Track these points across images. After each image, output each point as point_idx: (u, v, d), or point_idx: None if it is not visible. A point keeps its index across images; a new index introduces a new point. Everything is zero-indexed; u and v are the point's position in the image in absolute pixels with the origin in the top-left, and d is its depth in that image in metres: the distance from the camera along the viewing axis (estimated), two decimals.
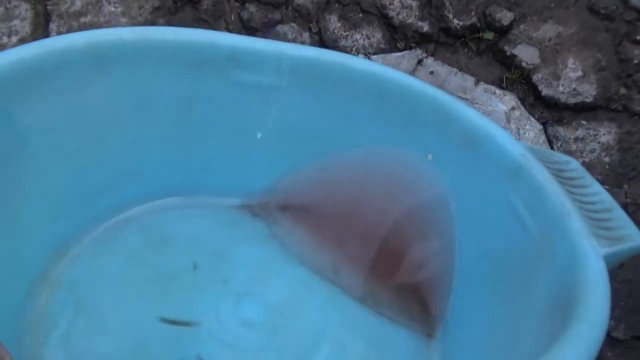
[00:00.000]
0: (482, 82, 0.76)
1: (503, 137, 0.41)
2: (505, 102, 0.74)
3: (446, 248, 0.46)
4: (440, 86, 0.76)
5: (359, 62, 0.48)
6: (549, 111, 0.72)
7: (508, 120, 0.73)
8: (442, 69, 0.76)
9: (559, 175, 0.39)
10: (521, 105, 0.73)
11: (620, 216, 0.37)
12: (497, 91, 0.75)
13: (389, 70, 0.47)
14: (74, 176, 0.46)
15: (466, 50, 0.75)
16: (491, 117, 0.72)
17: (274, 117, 0.52)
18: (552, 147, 0.71)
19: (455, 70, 0.77)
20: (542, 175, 0.38)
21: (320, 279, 0.50)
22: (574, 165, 0.42)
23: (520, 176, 0.40)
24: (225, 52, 0.46)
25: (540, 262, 0.35)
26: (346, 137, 0.51)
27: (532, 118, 0.72)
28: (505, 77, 0.75)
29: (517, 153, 0.40)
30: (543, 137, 0.72)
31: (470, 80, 0.76)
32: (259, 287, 0.48)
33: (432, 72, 0.76)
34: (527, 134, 0.74)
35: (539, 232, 0.37)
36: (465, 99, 0.74)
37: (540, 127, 0.72)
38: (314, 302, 0.47)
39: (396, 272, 0.49)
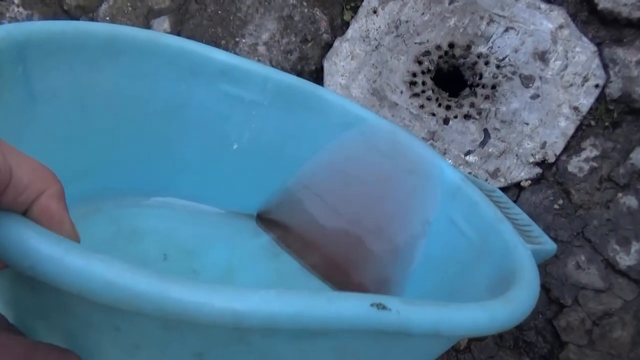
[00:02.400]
0: None
1: (446, 166, 0.53)
2: (551, 18, 0.64)
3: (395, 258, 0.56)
4: (473, 2, 0.70)
5: (329, 94, 0.59)
6: (606, 29, 0.62)
7: (554, 42, 0.64)
8: None
9: (489, 197, 0.49)
10: (571, 23, 0.63)
11: (537, 229, 0.47)
12: (543, 5, 0.66)
13: (357, 106, 0.59)
14: (60, 151, 0.48)
15: None
16: (534, 38, 0.67)
17: (251, 131, 0.59)
18: (607, 74, 0.60)
19: None
20: (476, 194, 0.47)
21: (293, 280, 0.56)
22: (499, 193, 0.56)
23: (459, 196, 0.49)
24: (219, 65, 0.54)
25: (480, 260, 0.42)
26: (309, 157, 0.61)
27: (584, 38, 0.62)
28: None
29: (456, 177, 0.51)
30: (597, 61, 0.61)
31: None
32: (230, 279, 0.53)
33: None
34: (577, 57, 0.63)
35: (477, 238, 0.45)
36: (502, 17, 0.68)
37: (594, 48, 0.62)
38: None
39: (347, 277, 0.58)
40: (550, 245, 0.44)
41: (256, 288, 0.24)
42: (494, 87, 0.73)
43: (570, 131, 0.67)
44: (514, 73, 0.72)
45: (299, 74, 0.77)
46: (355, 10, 0.79)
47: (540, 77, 0.71)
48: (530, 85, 0.71)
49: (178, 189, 0.61)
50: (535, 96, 0.70)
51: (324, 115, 0.61)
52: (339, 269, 0.64)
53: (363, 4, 0.79)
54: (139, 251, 0.54)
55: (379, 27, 0.78)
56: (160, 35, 0.54)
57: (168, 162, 0.59)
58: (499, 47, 0.73)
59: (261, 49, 0.76)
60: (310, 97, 0.60)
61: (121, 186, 0.57)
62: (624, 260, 0.60)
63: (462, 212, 0.49)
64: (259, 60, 0.76)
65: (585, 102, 0.67)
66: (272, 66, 0.76)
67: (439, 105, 0.74)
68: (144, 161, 0.57)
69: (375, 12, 0.79)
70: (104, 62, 0.50)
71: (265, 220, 0.65)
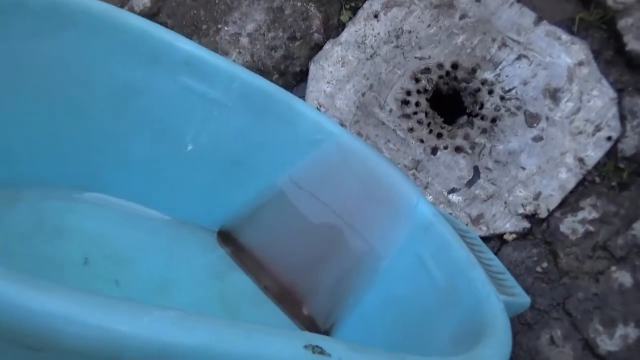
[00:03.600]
0: (545, 21, 0.60)
1: (421, 200, 0.48)
2: (571, 52, 0.58)
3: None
4: (487, 20, 0.64)
5: (305, 107, 0.53)
6: (631, 74, 0.54)
7: (570, 79, 0.58)
8: None
9: (462, 238, 0.45)
10: (593, 61, 0.57)
11: (510, 279, 0.44)
12: (564, 36, 0.59)
13: (334, 124, 0.53)
14: None
15: None
16: (548, 72, 0.62)
17: (210, 133, 0.53)
18: (623, 127, 0.54)
19: (510, 0, 0.62)
20: (449, 233, 0.44)
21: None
22: (473, 234, 0.52)
23: (431, 232, 0.45)
24: (183, 55, 0.48)
25: (445, 306, 0.39)
26: (268, 169, 0.55)
27: (604, 81, 0.56)
28: (579, 18, 0.58)
29: (429, 212, 0.47)
30: (614, 110, 0.54)
31: (529, 15, 0.62)
32: (158, 298, 0.47)
33: (478, 0, 0.64)
34: (592, 102, 0.57)
35: (444, 281, 0.41)
36: (517, 42, 0.61)
37: (614, 94, 0.55)
38: None
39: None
40: (524, 298, 0.41)
41: (153, 306, 0.17)
42: (494, 120, 0.64)
43: (570, 185, 0.59)
44: (518, 108, 0.63)
45: (282, 75, 0.70)
46: (354, 11, 0.71)
47: (547, 118, 0.62)
48: (535, 125, 0.62)
49: (118, 187, 0.55)
50: (538, 138, 0.62)
51: (296, 129, 0.54)
52: (292, 296, 0.59)
53: (364, 5, 0.70)
54: (56, 251, 0.48)
55: (378, 33, 0.70)
56: (120, 12, 0.48)
57: (110, 154, 0.53)
58: (507, 76, 0.65)
59: (244, 40, 0.69)
60: (282, 107, 0.54)
61: (51, 175, 0.51)
62: (606, 344, 0.52)
63: (432, 250, 0.45)
64: (239, 53, 0.69)
65: (593, 154, 0.59)
66: (253, 62, 0.69)
67: (430, 131, 0.66)
68: (81, 150, 0.51)
69: (376, 16, 0.70)
70: (48, 31, 0.44)
71: (225, 235, 0.58)
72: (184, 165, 0.56)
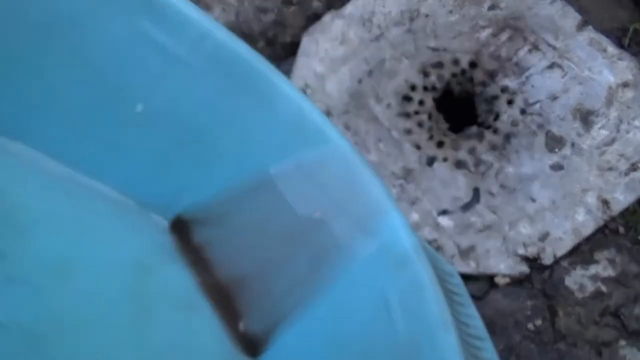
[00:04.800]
0: (590, 27, 0.51)
1: (401, 225, 0.39)
2: (616, 70, 0.50)
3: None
4: (521, 15, 0.53)
5: (288, 87, 0.43)
6: None
7: (609, 102, 0.50)
8: None
9: (443, 284, 0.38)
10: None
11: (490, 349, 0.37)
12: (610, 48, 0.51)
13: (321, 116, 0.42)
14: None
15: None
16: (583, 89, 0.51)
17: (165, 95, 0.45)
18: None
19: None
20: (428, 276, 0.36)
21: None
22: (457, 280, 0.42)
23: (405, 270, 0.38)
24: None
25: None
26: (238, 155, 0.45)
27: None
28: (634, 29, 0.50)
29: (409, 244, 0.38)
30: None
31: (573, 17, 0.52)
32: (50, 282, 0.40)
33: None
34: (632, 134, 0.49)
35: (406, 337, 0.35)
36: (552, 47, 0.51)
37: None
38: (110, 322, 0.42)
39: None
40: None
41: None
42: (508, 136, 0.53)
43: (587, 231, 0.48)
44: (540, 127, 0.52)
45: (269, 44, 0.59)
46: None
47: (573, 144, 0.51)
48: (557, 150, 0.51)
49: (39, 137, 0.45)
50: (557, 167, 0.51)
51: (274, 113, 0.45)
52: (232, 306, 0.50)
53: None
54: None
55: (389, 12, 0.59)
56: None
57: (34, 94, 0.44)
58: (532, 86, 0.54)
59: None
60: (260, 82, 0.44)
61: None
62: None
63: (401, 293, 0.37)
64: (223, 10, 0.58)
65: (622, 198, 0.48)
66: (237, 23, 0.58)
67: (431, 137, 0.55)
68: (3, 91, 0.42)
69: None
70: None
71: (180, 225, 0.50)
72: (131, 129, 0.46)
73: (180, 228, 0.50)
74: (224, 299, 0.50)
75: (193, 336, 0.49)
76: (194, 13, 0.42)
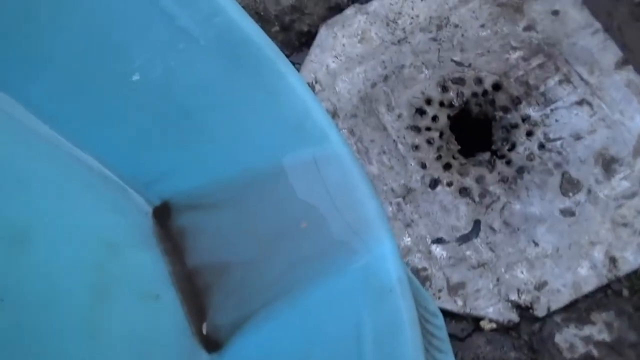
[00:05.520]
0: (631, 67, 0.48)
1: (390, 252, 0.35)
2: None
3: None
4: (557, 42, 0.50)
5: (296, 80, 0.38)
6: None
7: (636, 152, 0.46)
8: (575, 13, 0.49)
9: (423, 325, 0.36)
10: None
11: None
12: None
13: (325, 117, 0.38)
14: None
15: None
16: (611, 133, 0.48)
17: (165, 67, 0.41)
18: None
19: (596, 25, 0.49)
20: (409, 312, 0.33)
21: None
22: (440, 322, 0.40)
23: (386, 302, 0.34)
24: None
25: None
26: (232, 144, 0.41)
27: None
28: None
29: (394, 274, 0.35)
30: None
31: (613, 53, 0.48)
32: (7, 250, 0.38)
33: (556, 12, 0.50)
34: None
35: None
36: (585, 81, 0.48)
37: None
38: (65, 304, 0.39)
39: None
40: None
41: None
42: (521, 170, 0.49)
43: (588, 287, 0.44)
44: (557, 166, 0.48)
45: (284, 29, 0.55)
46: None
47: (590, 191, 0.47)
48: (571, 195, 0.47)
49: (26, 92, 0.42)
50: (568, 212, 0.47)
51: (278, 106, 0.41)
52: (199, 303, 0.47)
53: None
54: None
55: (417, 16, 0.55)
56: None
57: (27, 45, 0.41)
58: (556, 121, 0.50)
59: None
60: (266, 70, 0.40)
61: None
62: None
63: (377, 328, 0.34)
64: None
65: (632, 258, 0.44)
66: (254, 2, 0.54)
67: (439, 157, 0.52)
68: None
69: None
70: None
71: (164, 211, 0.46)
72: (124, 98, 0.43)
73: (162, 213, 0.47)
74: (193, 293, 0.47)
75: (154, 328, 0.46)
76: None
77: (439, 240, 0.49)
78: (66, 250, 0.44)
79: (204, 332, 0.46)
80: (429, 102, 0.53)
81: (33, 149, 0.44)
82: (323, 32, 0.54)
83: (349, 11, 0.54)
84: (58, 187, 0.44)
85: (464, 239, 0.48)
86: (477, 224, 0.48)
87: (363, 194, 0.37)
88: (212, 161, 0.44)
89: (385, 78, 0.54)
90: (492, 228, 0.48)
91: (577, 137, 0.48)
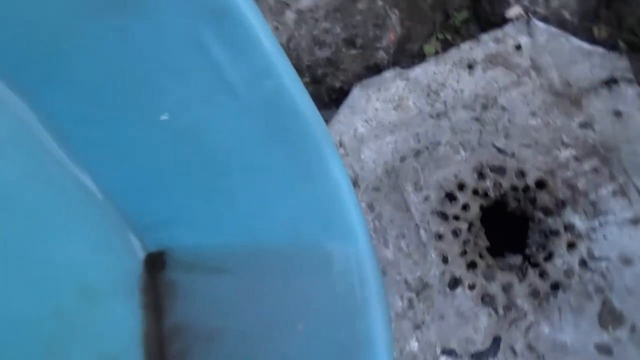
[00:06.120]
0: None
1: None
2: None
3: None
4: (616, 146, 0.46)
5: (333, 161, 0.35)
6: None
7: None
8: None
9: None
10: None
11: None
12: None
13: (353, 201, 0.35)
14: None
15: None
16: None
17: (197, 118, 0.37)
18: None
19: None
20: None
21: None
22: None
23: None
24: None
25: None
26: (250, 212, 0.38)
27: None
28: None
29: None
30: None
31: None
32: None
33: (618, 113, 0.44)
34: None
35: None
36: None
37: None
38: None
39: None
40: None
41: None
42: (556, 286, 0.43)
43: None
44: (599, 291, 0.42)
45: (315, 82, 0.50)
46: (445, 46, 0.50)
47: (634, 329, 0.40)
48: (611, 328, 0.41)
49: (46, 105, 0.38)
50: (604, 349, 0.40)
51: (310, 188, 0.38)
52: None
53: (462, 45, 0.50)
54: None
55: (462, 90, 0.49)
56: None
57: (57, 60, 0.37)
58: (605, 237, 0.44)
59: (289, 15, 0.49)
60: (307, 147, 0.36)
61: None
62: None
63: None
64: (275, 29, 0.49)
65: None
66: (287, 48, 0.49)
67: (464, 252, 0.46)
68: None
69: (470, 67, 0.50)
70: None
71: (156, 261, 0.42)
72: (147, 132, 0.39)
73: (156, 262, 0.42)
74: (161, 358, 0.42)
75: None
76: (267, 40, 0.33)
77: (449, 353, 0.42)
78: (33, 285, 0.39)
79: None
80: (461, 187, 0.47)
81: (36, 165, 0.40)
82: (356, 92, 0.49)
83: (388, 74, 0.49)
84: (51, 211, 0.40)
85: (479, 356, 0.42)
86: (496, 341, 0.42)
87: (374, 321, 0.32)
88: (225, 223, 0.40)
89: (417, 153, 0.48)
90: (513, 350, 0.42)
91: (627, 262, 0.42)
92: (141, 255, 0.42)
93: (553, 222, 0.45)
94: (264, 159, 0.37)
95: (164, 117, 0.38)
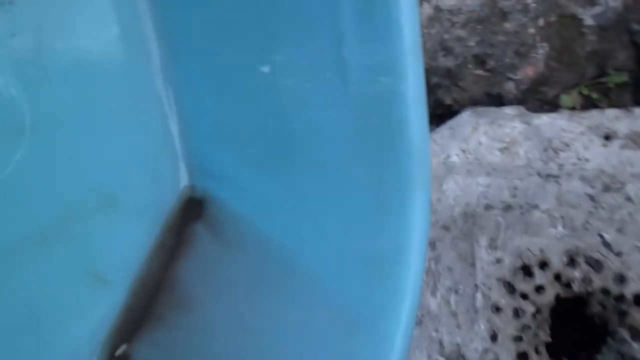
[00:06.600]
0: None
1: None
2: None
3: None
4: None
5: (421, 197, 0.29)
6: None
7: None
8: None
9: None
10: None
11: None
12: None
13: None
14: None
15: None
16: None
17: (295, 85, 0.32)
18: None
19: None
20: None
21: None
22: None
23: None
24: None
25: None
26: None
27: None
28: None
29: None
30: None
31: None
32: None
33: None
34: None
35: None
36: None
37: None
38: None
39: None
40: None
41: None
42: None
43: None
44: None
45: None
46: (586, 104, 0.43)
47: None
48: None
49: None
50: None
51: (386, 219, 0.31)
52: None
53: (606, 112, 0.42)
54: None
55: (586, 160, 0.42)
56: None
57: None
58: None
59: (426, 9, 0.44)
60: (396, 170, 0.30)
61: None
62: None
63: None
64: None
65: None
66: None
67: (518, 338, 0.38)
68: None
69: (608, 138, 0.42)
70: None
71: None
72: (238, 74, 0.36)
73: (191, 209, 0.38)
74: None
75: None
76: (408, 30, 0.26)
77: None
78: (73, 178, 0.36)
79: None
80: (543, 265, 0.40)
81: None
82: (465, 117, 0.43)
83: (509, 110, 0.43)
84: (121, 112, 0.37)
85: None
86: None
87: None
88: (275, 212, 0.35)
89: (507, 208, 0.41)
90: None
91: None
92: (183, 195, 0.38)
93: (638, 349, 0.37)
94: (340, 162, 0.31)
95: (265, 69, 0.33)
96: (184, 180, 0.38)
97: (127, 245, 0.37)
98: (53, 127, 0.33)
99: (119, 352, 0.36)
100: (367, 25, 0.28)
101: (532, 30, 0.43)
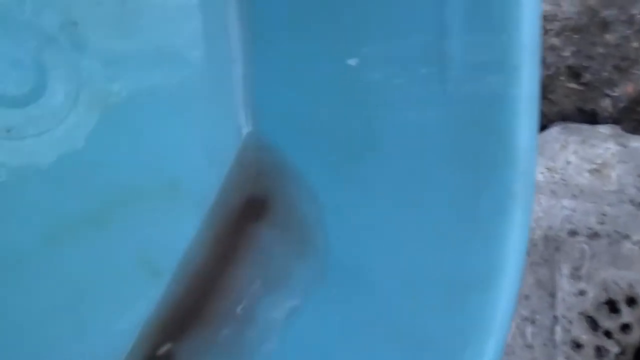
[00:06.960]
0: None
1: None
2: None
3: None
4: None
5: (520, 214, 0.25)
6: None
7: None
8: None
9: None
10: None
11: None
12: None
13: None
14: None
15: None
16: None
17: (384, 78, 0.29)
18: None
19: None
20: None
21: None
22: None
23: None
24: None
25: None
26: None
27: None
28: None
29: None
30: None
31: None
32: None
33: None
34: None
35: None
36: None
37: None
38: None
39: None
40: None
41: None
42: None
43: None
44: None
45: None
46: None
47: None
48: None
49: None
50: None
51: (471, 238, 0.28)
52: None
53: None
54: None
55: None
56: None
57: None
58: None
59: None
60: (489, 185, 0.27)
61: None
62: None
63: None
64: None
65: None
66: None
67: None
68: None
69: None
70: None
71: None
72: (322, 63, 0.33)
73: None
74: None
75: None
76: (528, 22, 0.23)
77: None
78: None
79: None
80: (632, 302, 0.36)
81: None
82: (554, 133, 0.40)
83: (604, 129, 0.39)
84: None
85: None
86: None
87: None
88: (340, 211, 0.32)
89: (594, 236, 0.38)
90: None
91: None
92: (247, 191, 0.36)
93: None
94: (428, 171, 0.28)
95: (352, 62, 0.30)
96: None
97: (184, 236, 0.34)
98: (127, 105, 0.31)
99: (161, 350, 0.34)
100: (479, 15, 0.25)
101: (635, 44, 0.39)
